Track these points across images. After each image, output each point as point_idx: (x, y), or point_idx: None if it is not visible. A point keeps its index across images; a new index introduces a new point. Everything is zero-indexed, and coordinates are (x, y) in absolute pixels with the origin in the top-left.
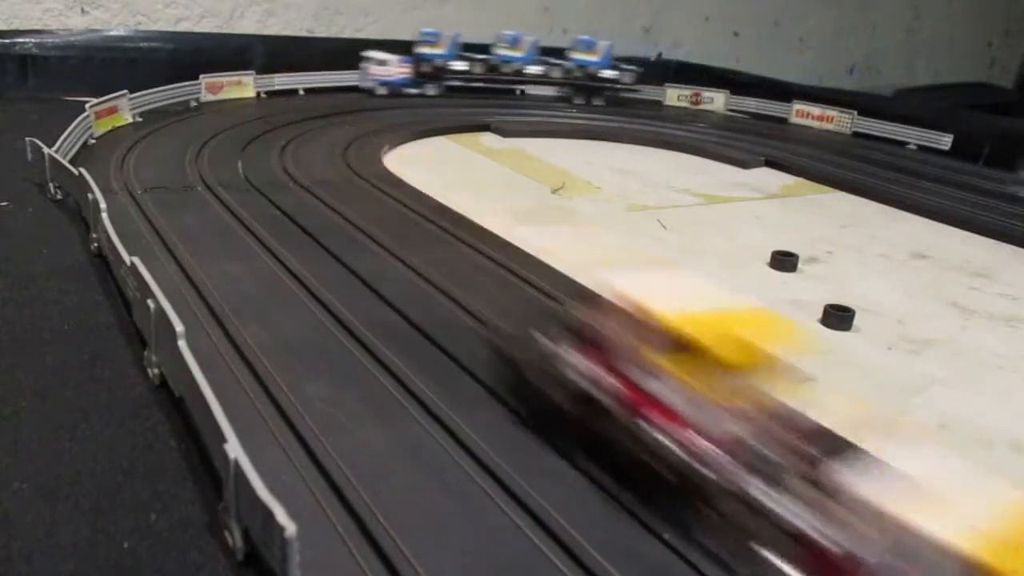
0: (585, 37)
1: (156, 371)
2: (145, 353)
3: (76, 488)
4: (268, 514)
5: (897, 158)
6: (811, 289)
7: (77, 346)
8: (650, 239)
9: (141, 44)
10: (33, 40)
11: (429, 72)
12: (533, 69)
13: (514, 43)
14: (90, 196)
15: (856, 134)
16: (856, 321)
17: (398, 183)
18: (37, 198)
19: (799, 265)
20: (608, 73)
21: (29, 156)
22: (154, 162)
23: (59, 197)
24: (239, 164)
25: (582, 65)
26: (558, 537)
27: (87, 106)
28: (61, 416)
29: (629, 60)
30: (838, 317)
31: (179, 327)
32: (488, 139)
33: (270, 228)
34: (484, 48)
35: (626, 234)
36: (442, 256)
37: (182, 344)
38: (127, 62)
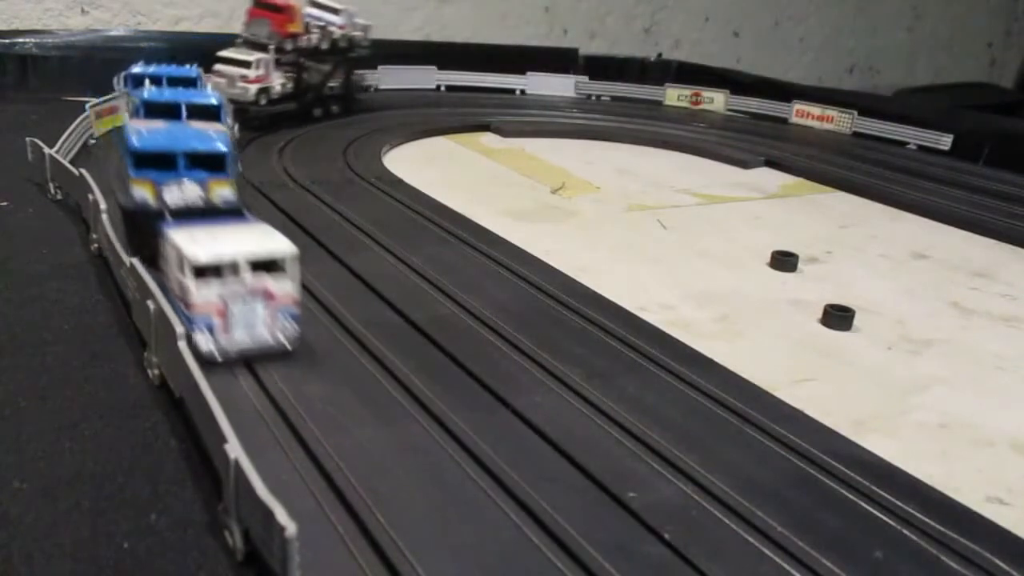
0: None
1: (156, 371)
2: (145, 353)
3: (76, 488)
4: (268, 514)
5: (897, 158)
6: (811, 289)
7: (77, 346)
8: (650, 239)
9: (141, 44)
10: (33, 40)
11: None
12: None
13: None
14: (90, 196)
15: (856, 134)
16: (856, 321)
17: (398, 183)
18: (37, 198)
19: (799, 265)
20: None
21: (29, 156)
22: None
23: (59, 197)
24: (239, 163)
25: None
26: (557, 536)
27: (87, 106)
28: (61, 416)
29: (629, 60)
30: (838, 317)
31: (179, 328)
32: (488, 139)
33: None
34: None
35: (626, 234)
36: (442, 255)
37: (182, 344)
38: (127, 62)
